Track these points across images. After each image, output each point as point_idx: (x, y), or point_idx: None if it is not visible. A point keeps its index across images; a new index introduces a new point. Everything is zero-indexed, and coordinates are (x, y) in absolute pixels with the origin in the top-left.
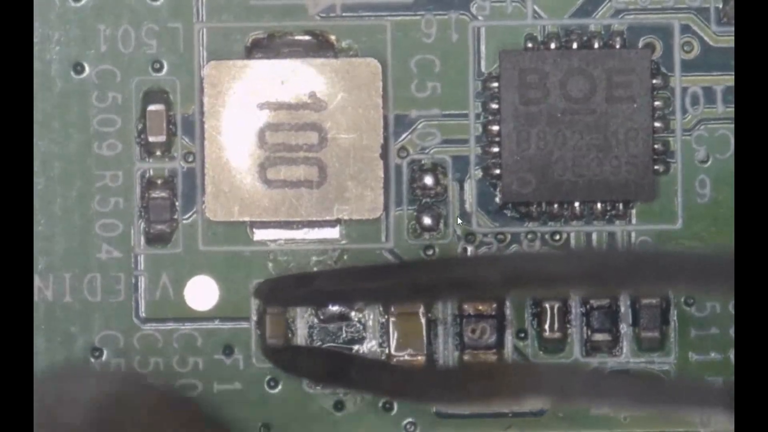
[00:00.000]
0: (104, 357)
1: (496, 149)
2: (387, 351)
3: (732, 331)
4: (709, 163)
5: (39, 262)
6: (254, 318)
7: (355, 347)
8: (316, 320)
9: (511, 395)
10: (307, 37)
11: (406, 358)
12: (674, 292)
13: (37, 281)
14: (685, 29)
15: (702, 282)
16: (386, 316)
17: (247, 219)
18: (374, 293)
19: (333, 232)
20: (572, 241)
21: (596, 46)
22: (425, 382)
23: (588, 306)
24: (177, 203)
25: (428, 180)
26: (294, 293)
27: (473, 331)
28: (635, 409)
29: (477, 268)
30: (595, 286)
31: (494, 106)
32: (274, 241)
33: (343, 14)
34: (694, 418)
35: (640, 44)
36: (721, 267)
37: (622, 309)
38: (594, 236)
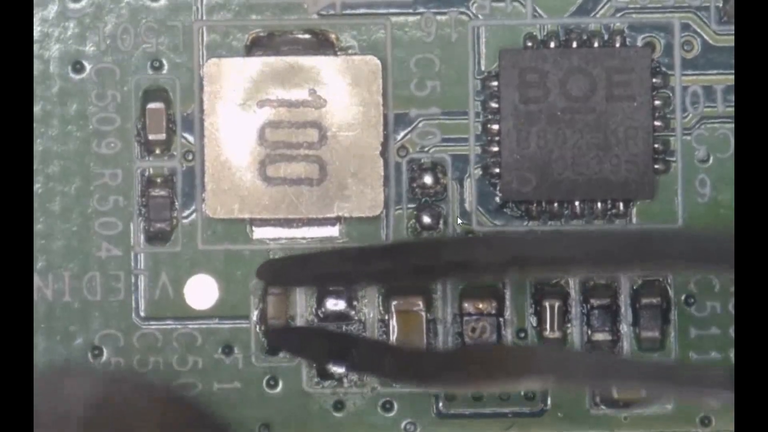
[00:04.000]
0: (104, 356)
1: (495, 148)
2: None
3: (732, 331)
4: (710, 162)
5: (38, 261)
6: (254, 318)
7: None
8: (316, 319)
9: (512, 376)
10: (306, 35)
11: None
12: (674, 272)
13: (36, 280)
14: (686, 28)
15: (702, 261)
16: (386, 314)
17: (247, 216)
18: (374, 274)
19: (333, 231)
20: None
21: (596, 44)
22: (426, 363)
23: (588, 305)
24: (176, 202)
25: (428, 179)
26: (295, 274)
27: (473, 330)
28: (636, 390)
29: (475, 249)
30: (595, 267)
31: (494, 104)
32: (274, 239)
33: (343, 12)
34: (695, 398)
35: (640, 43)
36: (721, 245)
37: (623, 309)
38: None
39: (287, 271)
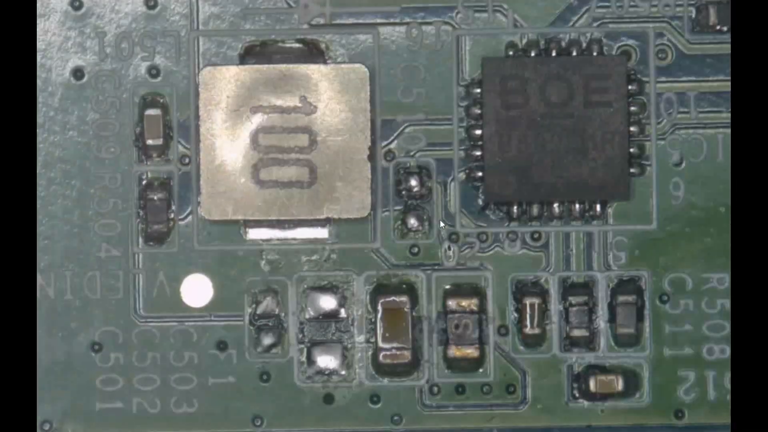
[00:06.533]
0: (104, 352)
1: (478, 152)
2: (374, 345)
3: (705, 328)
4: (683, 166)
5: (41, 261)
6: (247, 316)
7: (345, 341)
8: (306, 316)
9: None
10: (298, 45)
11: (394, 352)
12: None
13: (39, 279)
14: (660, 37)
15: None
16: (373, 312)
17: (240, 218)
18: None
19: (322, 232)
20: (551, 241)
21: (574, 53)
22: None
23: (567, 303)
24: (173, 204)
25: (413, 182)
26: None
27: (456, 327)
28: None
29: None
30: None
31: (477, 111)
32: (266, 240)
33: (333, 22)
34: None
35: (617, 51)
36: None
37: (599, 306)
38: (573, 236)
39: None
